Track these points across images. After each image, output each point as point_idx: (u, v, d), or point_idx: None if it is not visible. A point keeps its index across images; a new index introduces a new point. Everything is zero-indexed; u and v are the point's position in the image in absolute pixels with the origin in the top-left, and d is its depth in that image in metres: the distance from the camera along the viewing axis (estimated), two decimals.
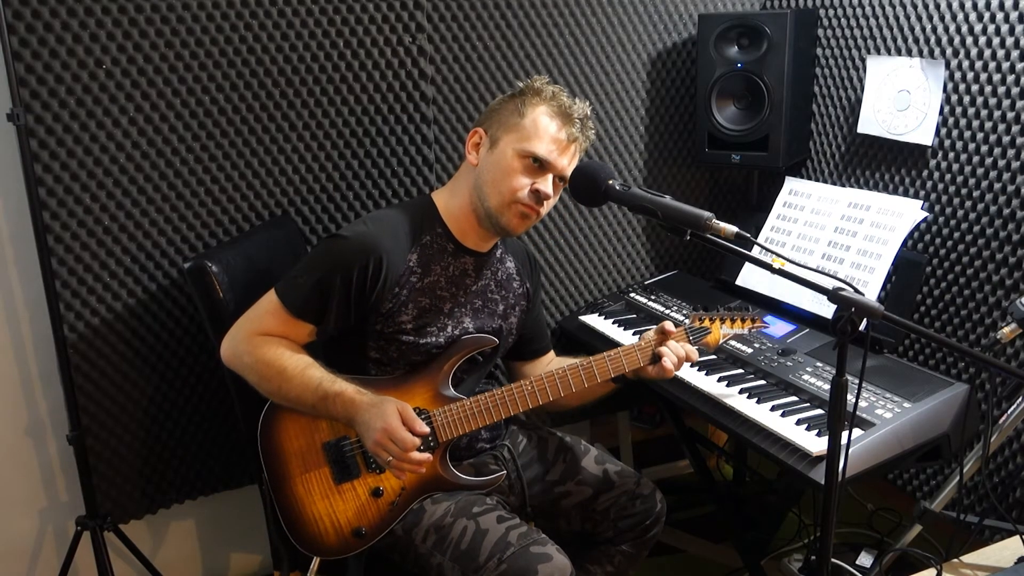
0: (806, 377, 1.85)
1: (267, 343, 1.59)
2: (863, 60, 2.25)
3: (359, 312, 1.63)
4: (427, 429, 1.58)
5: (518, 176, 1.64)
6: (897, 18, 2.15)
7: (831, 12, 2.36)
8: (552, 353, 2.01)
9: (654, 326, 2.20)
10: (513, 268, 1.85)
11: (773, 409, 1.75)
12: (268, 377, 1.58)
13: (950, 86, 2.05)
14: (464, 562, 1.54)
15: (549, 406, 1.72)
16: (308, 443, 1.62)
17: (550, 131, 1.64)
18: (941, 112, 2.07)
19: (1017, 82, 1.91)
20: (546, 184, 1.64)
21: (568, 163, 1.67)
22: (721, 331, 1.79)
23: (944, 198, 2.10)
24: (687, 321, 1.78)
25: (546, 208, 1.69)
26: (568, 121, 1.66)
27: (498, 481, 1.72)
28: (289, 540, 1.62)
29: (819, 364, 1.90)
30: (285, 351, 1.59)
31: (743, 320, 1.80)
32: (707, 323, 1.78)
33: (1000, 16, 1.91)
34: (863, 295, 1.29)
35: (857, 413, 1.66)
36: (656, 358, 1.70)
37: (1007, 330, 1.64)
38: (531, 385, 1.66)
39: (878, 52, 2.22)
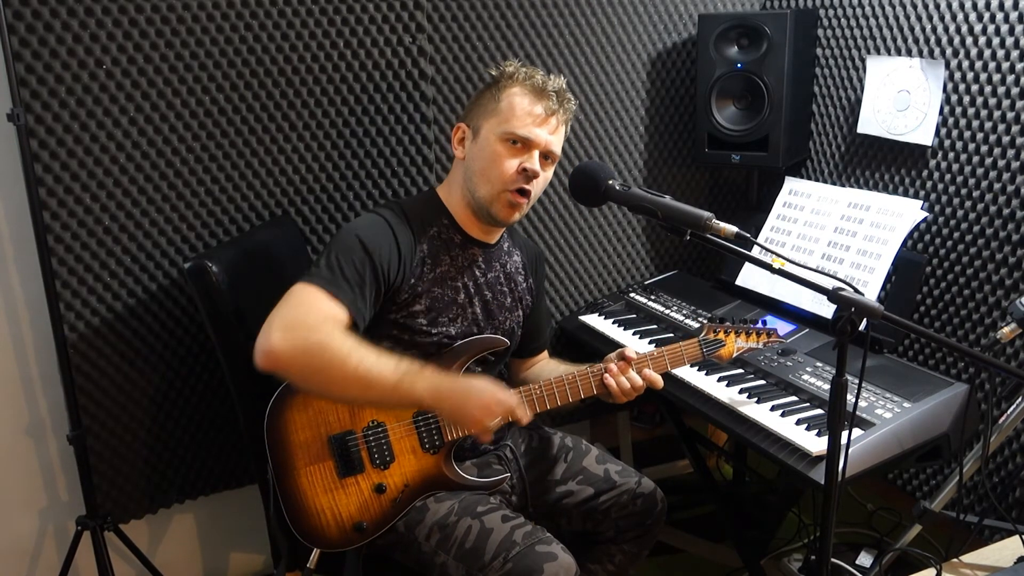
0: (806, 377, 1.85)
1: (331, 322, 1.47)
2: (863, 60, 2.25)
3: (385, 299, 1.62)
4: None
5: (504, 160, 1.63)
6: (897, 18, 2.15)
7: (831, 12, 2.36)
8: (545, 353, 2.00)
9: (653, 326, 2.22)
10: (519, 262, 1.85)
11: (773, 409, 1.76)
12: (342, 357, 1.43)
13: (950, 86, 2.05)
14: (469, 561, 1.54)
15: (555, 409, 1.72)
16: (314, 436, 1.62)
17: (526, 108, 1.64)
18: (941, 112, 2.07)
19: (1017, 82, 1.91)
20: (532, 161, 1.64)
21: (551, 137, 1.66)
22: (736, 344, 1.78)
23: (944, 198, 2.10)
24: (702, 332, 1.77)
25: (536, 189, 1.67)
26: (542, 95, 1.65)
27: (502, 483, 1.73)
28: (290, 531, 1.62)
29: (819, 364, 1.90)
30: (348, 334, 1.48)
31: (758, 334, 1.79)
32: (721, 335, 1.77)
33: (1000, 16, 1.91)
34: (863, 295, 1.29)
35: (857, 413, 1.67)
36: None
37: (1007, 330, 1.64)
38: (540, 389, 1.65)
39: (878, 52, 2.22)
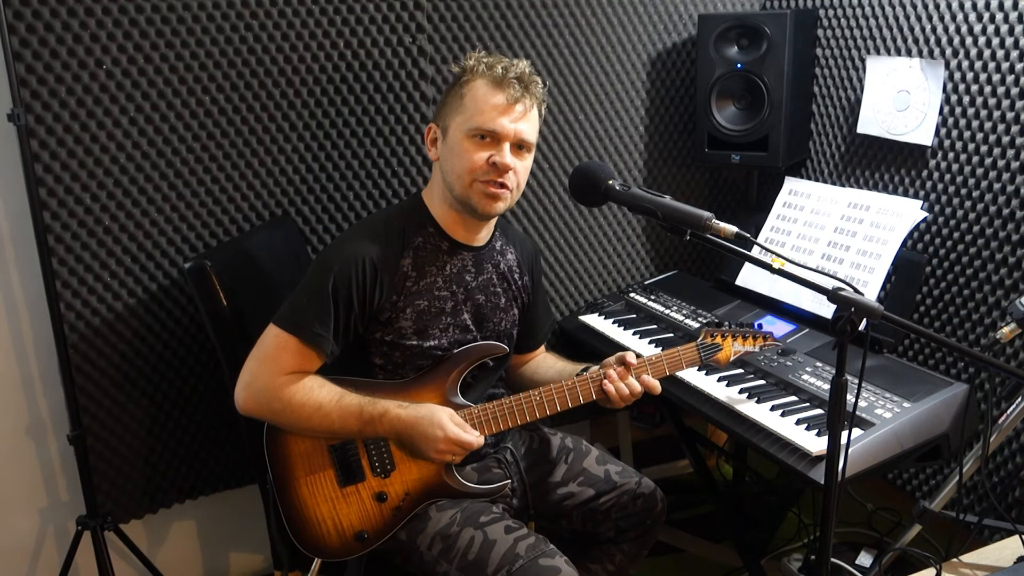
0: (806, 377, 1.85)
1: (292, 383, 1.57)
2: (863, 60, 2.25)
3: (362, 325, 1.62)
4: (476, 433, 1.61)
5: (472, 155, 1.60)
6: (897, 18, 2.15)
7: (831, 12, 2.36)
8: (542, 349, 2.00)
9: (653, 326, 2.22)
10: (514, 260, 1.83)
11: (773, 409, 1.76)
12: (306, 417, 1.56)
13: (950, 86, 2.05)
14: (472, 573, 1.54)
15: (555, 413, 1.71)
16: (314, 445, 1.61)
17: (490, 101, 1.60)
18: (941, 112, 2.07)
19: (1017, 82, 1.91)
20: (502, 154, 1.60)
21: (518, 125, 1.61)
22: (733, 348, 1.78)
23: (944, 198, 2.10)
24: (700, 337, 1.77)
25: (514, 180, 1.63)
26: (504, 84, 1.60)
27: (503, 490, 1.71)
28: (291, 541, 1.62)
29: (819, 364, 1.90)
30: (313, 387, 1.57)
31: (755, 338, 1.80)
32: (719, 339, 1.77)
33: (1000, 16, 1.91)
34: (863, 295, 1.29)
35: (857, 413, 1.67)
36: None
37: (1007, 330, 1.64)
38: (540, 395, 1.65)
39: (878, 52, 2.22)
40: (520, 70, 1.63)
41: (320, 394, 1.57)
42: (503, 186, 1.62)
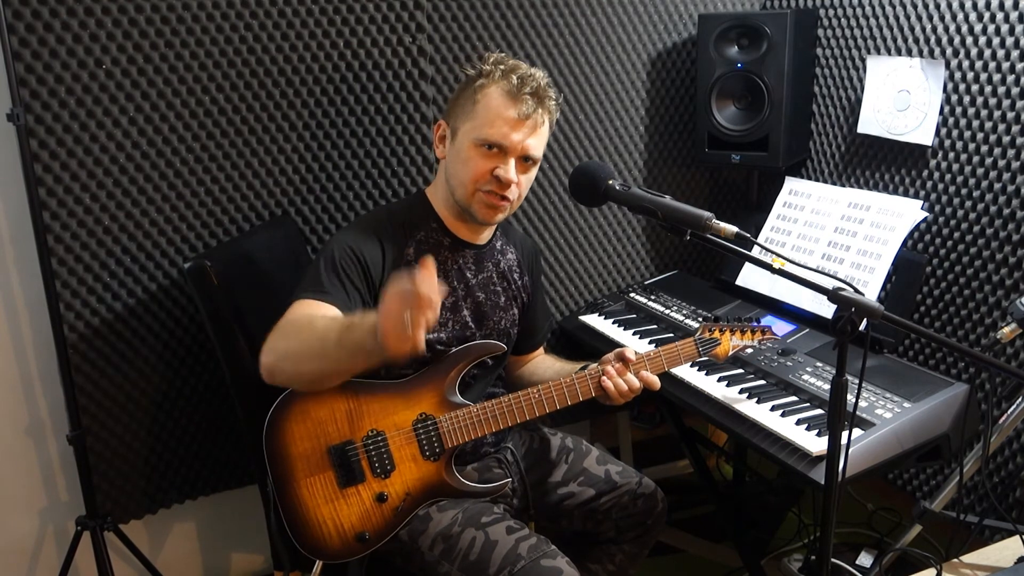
0: (806, 377, 1.85)
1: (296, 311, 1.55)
2: (863, 60, 2.25)
3: (371, 296, 1.62)
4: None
5: (477, 165, 1.61)
6: (897, 18, 2.15)
7: (831, 12, 2.36)
8: (541, 350, 2.00)
9: (653, 326, 2.22)
10: (514, 259, 1.84)
11: (773, 409, 1.76)
12: (301, 327, 1.49)
13: (950, 86, 2.05)
14: (473, 573, 1.54)
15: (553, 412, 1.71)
16: (313, 447, 1.61)
17: (501, 113, 1.59)
18: (941, 112, 2.07)
19: (1017, 82, 1.91)
20: (506, 169, 1.60)
21: (527, 140, 1.61)
22: (731, 343, 1.79)
23: (944, 198, 2.10)
24: (698, 332, 1.77)
25: (516, 193, 1.64)
26: (518, 98, 1.60)
27: (502, 489, 1.71)
28: (292, 542, 1.61)
29: (819, 364, 1.90)
30: (315, 311, 1.54)
31: (753, 332, 1.80)
32: (717, 334, 1.78)
33: (1000, 16, 1.91)
34: (863, 295, 1.29)
35: (857, 413, 1.67)
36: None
37: (1007, 330, 1.64)
38: (538, 393, 1.64)
39: (878, 52, 2.22)
40: (536, 83, 1.62)
41: (315, 309, 1.53)
42: (504, 198, 1.63)
